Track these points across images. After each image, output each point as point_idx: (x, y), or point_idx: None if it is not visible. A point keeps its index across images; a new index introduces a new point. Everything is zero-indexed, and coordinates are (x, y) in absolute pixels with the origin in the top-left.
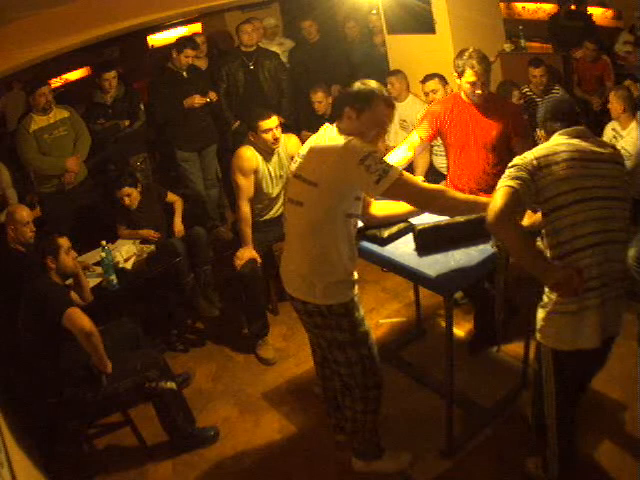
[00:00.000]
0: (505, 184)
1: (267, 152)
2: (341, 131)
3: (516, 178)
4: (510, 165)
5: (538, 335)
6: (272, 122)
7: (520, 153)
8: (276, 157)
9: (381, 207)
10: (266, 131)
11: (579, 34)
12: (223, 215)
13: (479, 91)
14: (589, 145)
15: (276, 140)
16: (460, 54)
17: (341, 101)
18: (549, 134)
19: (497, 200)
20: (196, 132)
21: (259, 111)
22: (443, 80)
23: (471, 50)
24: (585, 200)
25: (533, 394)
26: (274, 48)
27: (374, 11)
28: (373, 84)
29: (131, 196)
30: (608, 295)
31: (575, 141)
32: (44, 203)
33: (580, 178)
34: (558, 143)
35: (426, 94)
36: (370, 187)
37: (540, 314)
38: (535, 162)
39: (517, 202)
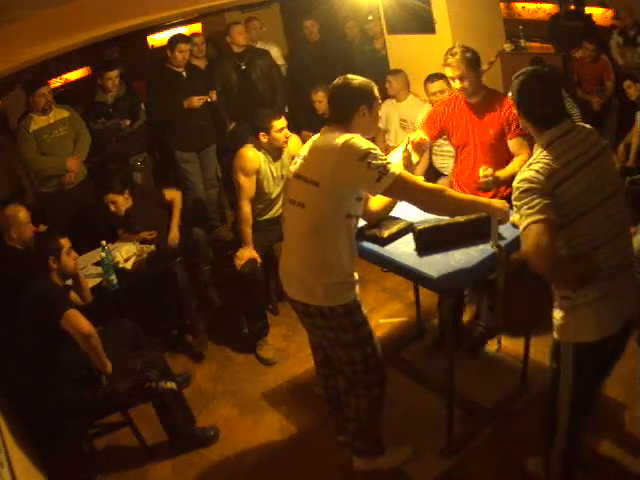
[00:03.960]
0: (534, 219)
1: (275, 152)
2: (345, 130)
3: (540, 207)
4: (522, 189)
5: (557, 333)
6: (283, 121)
7: (518, 152)
8: (283, 156)
9: (376, 200)
10: (280, 130)
11: (579, 34)
12: (223, 215)
13: (458, 84)
14: (585, 140)
15: (287, 139)
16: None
17: (345, 100)
18: (539, 126)
19: (539, 243)
20: (195, 132)
21: (268, 111)
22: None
23: (453, 46)
24: (602, 203)
25: (547, 393)
26: (274, 48)
27: (371, 17)
28: (361, 78)
29: (117, 203)
30: (623, 280)
31: (573, 141)
32: (44, 203)
33: (594, 184)
34: (560, 151)
35: (432, 94)
36: (371, 185)
37: (558, 313)
38: (549, 182)
39: (553, 233)
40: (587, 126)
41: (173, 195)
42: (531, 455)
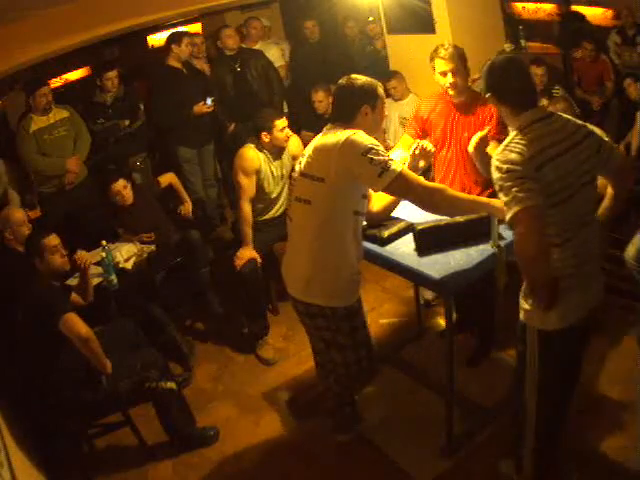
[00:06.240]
0: (526, 205)
1: (276, 152)
2: (349, 128)
3: (531, 193)
4: (507, 169)
5: (523, 316)
6: (285, 120)
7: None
8: (283, 156)
9: (377, 202)
10: (282, 129)
11: (577, 34)
12: (223, 215)
13: (450, 79)
14: (562, 129)
15: (288, 138)
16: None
17: (348, 100)
18: (514, 107)
19: (530, 228)
20: (196, 128)
21: (270, 110)
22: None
23: (443, 44)
24: (573, 195)
25: (515, 384)
26: (273, 49)
27: (371, 18)
28: (365, 78)
29: (121, 192)
30: (588, 272)
31: (549, 127)
32: (44, 203)
33: (570, 172)
34: (535, 136)
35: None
36: (373, 180)
37: (526, 298)
38: (531, 164)
39: (542, 219)
40: (565, 115)
41: (168, 179)
42: (504, 455)
